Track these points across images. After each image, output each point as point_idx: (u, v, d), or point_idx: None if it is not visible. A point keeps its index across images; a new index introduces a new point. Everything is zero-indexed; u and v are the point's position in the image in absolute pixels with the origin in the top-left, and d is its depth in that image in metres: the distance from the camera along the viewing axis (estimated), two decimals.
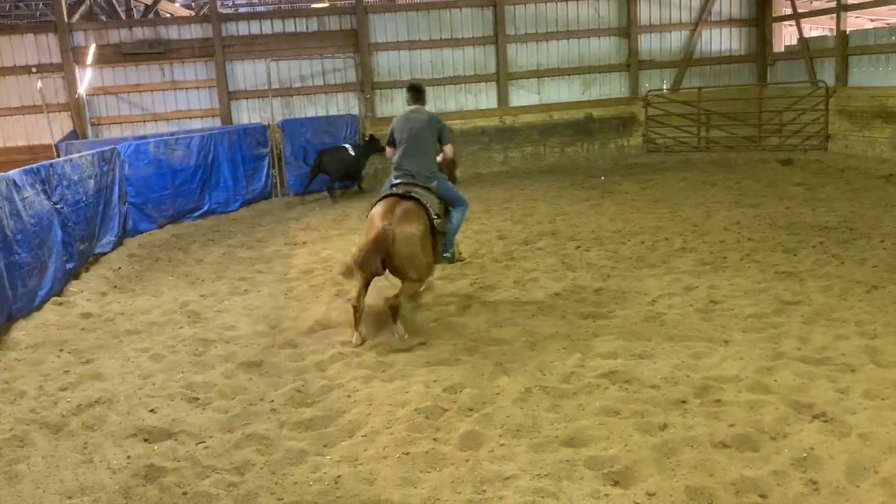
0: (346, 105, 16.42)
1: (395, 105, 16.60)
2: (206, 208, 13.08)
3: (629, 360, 5.49)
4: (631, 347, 5.73)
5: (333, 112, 16.26)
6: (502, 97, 16.94)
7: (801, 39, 16.47)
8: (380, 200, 6.60)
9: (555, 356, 5.67)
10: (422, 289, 6.53)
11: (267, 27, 16.10)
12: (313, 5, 17.80)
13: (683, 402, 4.76)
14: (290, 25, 16.17)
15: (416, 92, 7.25)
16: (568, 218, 10.99)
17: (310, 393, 5.30)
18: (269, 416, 4.97)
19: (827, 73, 15.54)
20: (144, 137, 13.20)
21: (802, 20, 16.71)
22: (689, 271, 7.73)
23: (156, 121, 15.73)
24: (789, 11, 16.80)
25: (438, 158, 7.19)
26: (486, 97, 17.01)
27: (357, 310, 6.24)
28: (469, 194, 13.56)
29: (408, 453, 4.31)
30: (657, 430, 4.40)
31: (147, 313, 7.43)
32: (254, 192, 14.33)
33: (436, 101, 16.75)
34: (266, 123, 15.20)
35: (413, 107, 7.20)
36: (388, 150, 7.29)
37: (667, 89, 17.12)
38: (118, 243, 10.52)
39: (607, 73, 17.31)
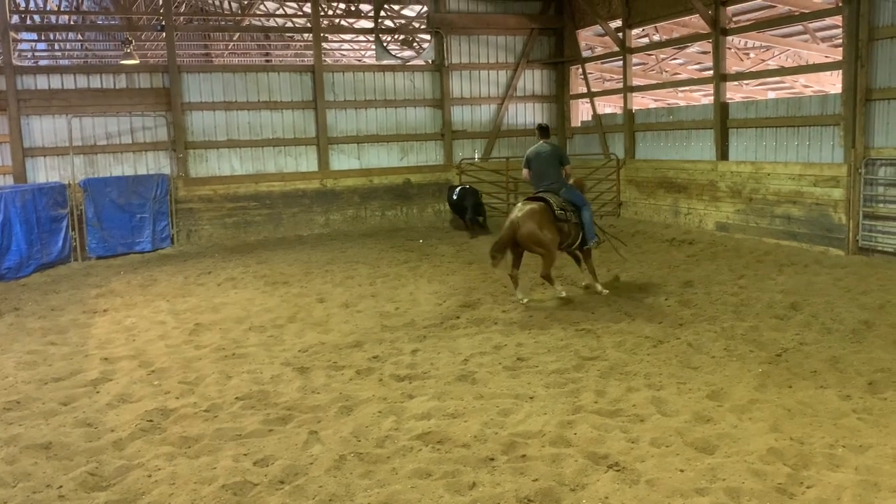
0: (156, 164, 15.73)
1: (210, 165, 16.18)
2: None
3: (442, 420, 5.62)
4: (444, 407, 5.87)
5: (142, 171, 15.53)
6: (323, 161, 17.05)
7: (595, 116, 18.14)
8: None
9: (370, 420, 5.68)
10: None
11: (69, 82, 15.16)
12: (122, 61, 17.02)
13: (492, 459, 4.94)
14: (96, 81, 15.34)
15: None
16: (388, 280, 11.16)
17: (105, 475, 4.89)
18: (56, 503, 4.53)
19: (618, 146, 17.19)
20: None
21: (596, 98, 18.45)
22: (498, 330, 8.10)
23: None
24: (584, 90, 18.50)
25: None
26: (306, 160, 17.02)
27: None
28: (289, 257, 13.55)
29: None
30: (467, 490, 4.52)
31: None
32: (50, 256, 13.24)
33: (254, 163, 16.56)
34: (66, 182, 14.20)
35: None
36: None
37: (478, 158, 18.09)
38: None
39: (424, 141, 18.01)
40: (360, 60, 29.13)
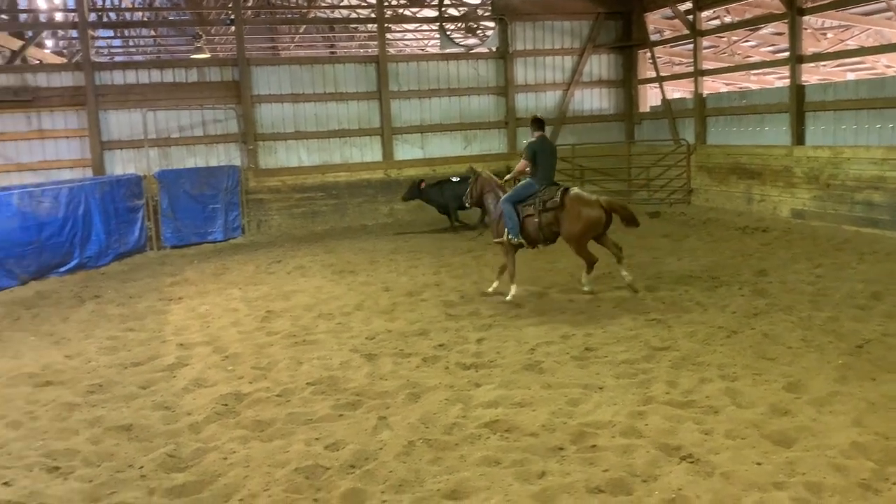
0: (227, 156, 16.13)
1: (279, 156, 16.49)
2: (74, 263, 12.40)
3: (509, 408, 5.59)
4: (511, 396, 5.84)
5: (214, 163, 15.94)
6: (387, 151, 17.17)
7: (664, 101, 17.72)
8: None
9: (438, 408, 5.70)
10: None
11: (144, 76, 15.68)
12: (193, 56, 17.48)
13: (561, 448, 4.89)
14: (169, 75, 15.83)
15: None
16: (452, 269, 11.17)
17: (183, 457, 5.06)
18: (137, 483, 4.70)
19: (688, 131, 16.75)
20: (7, 188, 12.43)
21: (665, 83, 18.01)
22: (565, 320, 8.01)
23: (20, 171, 14.85)
24: (653, 75, 18.07)
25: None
26: (371, 150, 17.19)
27: None
28: (354, 246, 13.71)
29: None
30: (536, 479, 4.49)
31: (4, 376, 6.90)
32: (127, 246, 13.74)
33: (321, 154, 16.80)
34: (142, 174, 14.70)
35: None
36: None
37: None
38: None
39: (487, 129, 17.94)
40: (423, 50, 29.17)
